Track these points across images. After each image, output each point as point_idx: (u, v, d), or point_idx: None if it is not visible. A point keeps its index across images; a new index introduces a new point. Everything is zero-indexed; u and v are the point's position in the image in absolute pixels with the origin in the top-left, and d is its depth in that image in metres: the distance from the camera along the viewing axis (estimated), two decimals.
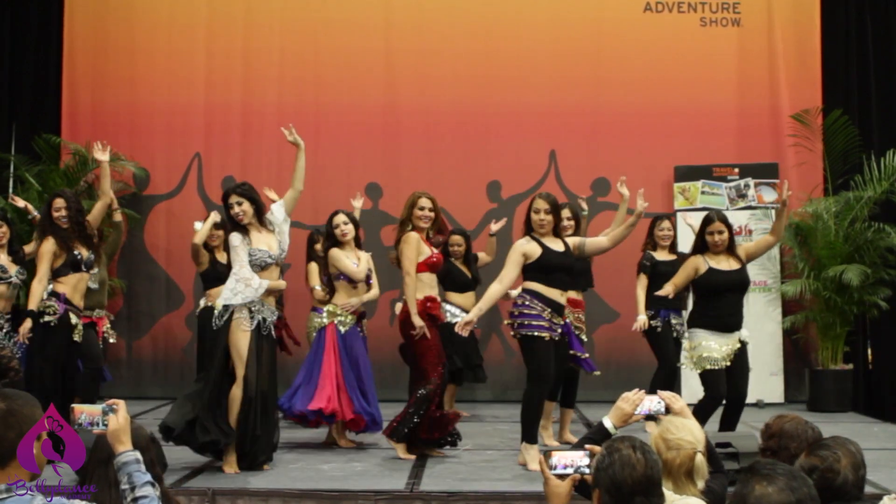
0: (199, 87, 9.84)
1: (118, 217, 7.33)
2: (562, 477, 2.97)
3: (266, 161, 9.63)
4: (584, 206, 7.84)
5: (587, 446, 3.08)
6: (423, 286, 6.18)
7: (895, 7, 9.62)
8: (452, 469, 5.87)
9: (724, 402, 5.98)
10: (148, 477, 2.71)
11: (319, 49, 9.82)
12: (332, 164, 9.42)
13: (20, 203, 7.07)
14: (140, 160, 9.61)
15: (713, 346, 5.88)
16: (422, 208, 6.19)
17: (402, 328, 6.20)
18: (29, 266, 6.52)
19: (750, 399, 7.05)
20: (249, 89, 9.84)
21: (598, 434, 3.28)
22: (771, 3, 9.77)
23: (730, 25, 9.80)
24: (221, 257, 7.26)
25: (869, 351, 9.49)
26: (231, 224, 5.80)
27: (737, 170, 9.29)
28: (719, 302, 5.92)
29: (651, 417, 3.38)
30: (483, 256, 8.17)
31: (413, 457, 6.13)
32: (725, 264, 5.98)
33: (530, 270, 5.72)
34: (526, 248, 5.72)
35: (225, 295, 5.69)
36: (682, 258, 6.67)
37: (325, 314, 6.64)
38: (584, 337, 6.99)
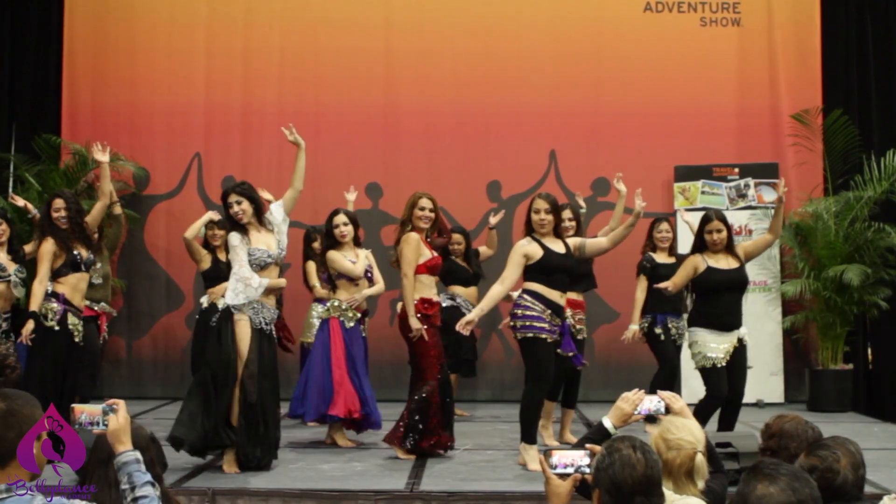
0: (199, 87, 9.84)
1: (118, 210, 7.34)
2: (562, 476, 2.97)
3: (266, 161, 9.63)
4: (582, 203, 7.84)
5: (587, 445, 3.08)
6: (422, 287, 6.18)
7: (895, 7, 9.62)
8: (452, 469, 5.87)
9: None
10: (148, 477, 2.71)
11: (319, 49, 9.82)
12: (332, 164, 9.42)
13: (20, 202, 7.07)
14: (140, 160, 9.61)
15: (712, 345, 5.89)
16: (422, 209, 6.19)
17: (402, 328, 6.20)
18: (28, 265, 6.52)
19: (750, 399, 7.08)
20: (249, 89, 9.84)
21: (597, 434, 3.28)
22: (771, 3, 9.77)
23: (730, 25, 9.80)
24: (223, 256, 7.27)
25: (869, 351, 9.49)
26: (230, 223, 5.80)
27: (737, 170, 9.30)
28: (718, 301, 5.93)
29: (651, 417, 3.38)
30: (484, 250, 8.18)
31: (413, 457, 6.13)
32: (724, 263, 5.99)
33: (531, 271, 5.71)
34: (527, 248, 5.71)
35: (228, 296, 5.71)
36: (682, 260, 6.66)
37: (328, 307, 6.64)
38: (582, 337, 6.97)
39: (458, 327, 5.72)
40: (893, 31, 9.59)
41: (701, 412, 5.84)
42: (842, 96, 9.56)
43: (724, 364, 5.89)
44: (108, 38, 9.88)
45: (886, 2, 9.62)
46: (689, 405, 3.47)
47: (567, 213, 6.55)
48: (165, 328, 9.73)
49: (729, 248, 6.02)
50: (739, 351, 5.97)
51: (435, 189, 7.06)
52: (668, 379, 7.08)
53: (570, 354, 6.36)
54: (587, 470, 2.92)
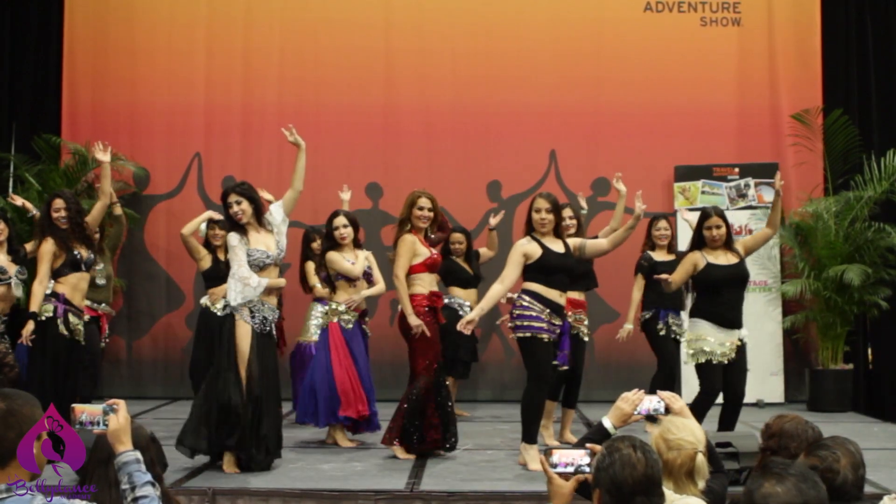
0: (199, 87, 9.84)
1: (118, 210, 7.34)
2: (563, 476, 2.96)
3: (266, 161, 9.63)
4: (584, 204, 7.85)
5: (588, 445, 3.08)
6: (425, 284, 6.20)
7: (895, 7, 9.62)
8: (452, 469, 5.87)
9: (719, 398, 5.99)
10: (148, 477, 2.71)
11: (319, 49, 9.82)
12: (332, 164, 9.42)
13: (18, 201, 7.06)
14: (140, 160, 9.62)
15: (713, 341, 5.89)
16: (421, 208, 6.19)
17: (402, 327, 6.21)
18: (29, 265, 6.52)
19: (750, 399, 7.07)
20: (249, 89, 9.84)
21: (597, 434, 3.28)
22: (771, 3, 9.77)
23: (730, 25, 9.80)
24: (224, 256, 7.26)
25: (869, 351, 9.49)
26: (229, 223, 5.80)
27: (737, 170, 9.30)
28: (719, 297, 5.94)
29: (651, 417, 3.38)
30: (485, 251, 8.19)
31: (413, 457, 6.13)
32: (724, 259, 6.00)
33: (530, 271, 5.72)
34: (527, 248, 5.72)
35: (229, 296, 5.70)
36: (681, 257, 6.67)
37: (327, 311, 6.67)
38: (585, 338, 6.97)
39: (459, 326, 5.73)
40: (893, 31, 9.59)
41: (696, 410, 5.82)
42: (842, 96, 9.56)
43: (721, 362, 5.89)
44: (108, 38, 9.88)
45: (886, 2, 9.62)
46: (689, 405, 3.47)
47: (567, 212, 6.56)
48: (165, 328, 9.73)
49: (728, 244, 6.03)
50: (739, 351, 5.97)
51: (435, 189, 7.05)
52: (667, 378, 7.09)
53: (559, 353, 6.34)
54: (587, 469, 2.92)
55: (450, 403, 6.27)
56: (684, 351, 6.20)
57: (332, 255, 6.57)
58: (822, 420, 6.10)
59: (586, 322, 7.03)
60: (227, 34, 9.88)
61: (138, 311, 9.72)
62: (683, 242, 7.68)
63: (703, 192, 9.26)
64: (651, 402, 3.35)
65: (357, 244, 6.73)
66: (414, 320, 6.06)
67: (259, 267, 5.69)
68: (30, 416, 2.48)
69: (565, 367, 6.48)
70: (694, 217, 6.51)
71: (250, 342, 5.64)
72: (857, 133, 9.20)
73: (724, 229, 6.00)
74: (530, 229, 5.83)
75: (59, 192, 6.42)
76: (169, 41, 9.85)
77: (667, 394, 3.40)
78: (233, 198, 5.72)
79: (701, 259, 5.99)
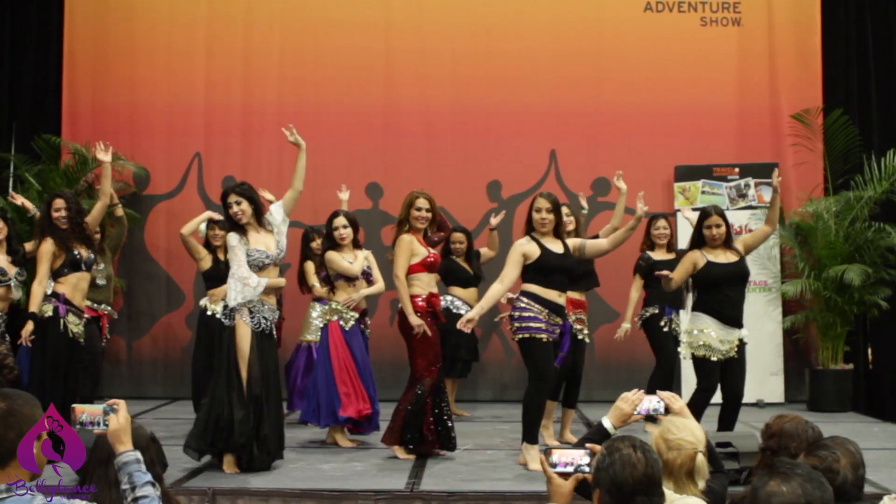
0: (199, 87, 9.84)
1: (119, 212, 7.33)
2: (563, 475, 2.97)
3: (266, 161, 9.63)
4: (585, 204, 7.85)
5: (588, 445, 3.08)
6: (423, 285, 6.19)
7: (895, 7, 9.62)
8: (452, 469, 5.87)
9: (717, 397, 5.99)
10: (148, 477, 2.71)
11: (319, 49, 9.81)
12: (332, 164, 9.42)
13: (18, 200, 7.06)
14: (140, 160, 9.62)
15: (714, 336, 5.88)
16: (419, 209, 6.20)
17: (401, 327, 6.21)
18: (29, 265, 6.52)
19: (750, 399, 7.07)
20: (249, 89, 9.84)
21: (597, 434, 3.28)
22: (771, 3, 9.77)
23: (730, 25, 9.80)
24: (224, 256, 7.25)
25: (869, 351, 9.49)
26: (229, 224, 5.80)
27: (737, 170, 9.30)
28: (720, 295, 5.94)
29: (650, 417, 3.38)
30: (486, 251, 8.19)
31: (413, 457, 6.13)
32: (723, 257, 6.00)
33: (529, 271, 5.73)
34: (526, 248, 5.73)
35: (229, 296, 5.70)
36: (681, 255, 6.67)
37: (327, 311, 6.68)
38: (586, 339, 6.96)
39: (458, 325, 5.73)
40: (893, 31, 9.59)
41: (694, 407, 5.83)
42: (842, 96, 9.56)
43: (720, 360, 5.89)
44: (108, 38, 9.88)
45: (886, 2, 9.62)
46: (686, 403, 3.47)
47: (564, 210, 6.57)
48: (165, 328, 9.73)
49: (728, 242, 6.03)
50: (739, 351, 5.97)
51: (435, 189, 7.06)
52: (666, 376, 7.09)
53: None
54: (587, 469, 2.92)
55: (445, 404, 6.27)
56: (683, 339, 6.19)
57: (332, 255, 6.58)
58: (822, 420, 6.10)
59: (587, 321, 7.02)
60: (227, 34, 9.88)
61: (138, 311, 9.72)
62: (684, 242, 7.67)
63: (703, 192, 9.26)
64: (651, 403, 3.35)
65: (356, 244, 6.73)
66: (415, 320, 6.06)
67: (258, 267, 5.69)
68: (30, 416, 2.48)
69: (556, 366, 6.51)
70: (696, 216, 6.51)
71: (250, 342, 5.64)
72: (857, 133, 9.20)
73: (724, 228, 6.00)
74: (530, 229, 5.84)
75: (60, 192, 6.42)
76: (169, 41, 9.85)
77: (666, 394, 3.40)
78: (232, 198, 5.72)
79: (701, 258, 6.00)
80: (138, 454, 2.75)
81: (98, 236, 6.78)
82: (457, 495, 5.11)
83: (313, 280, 7.33)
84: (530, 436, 5.81)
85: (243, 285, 5.61)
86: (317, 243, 7.33)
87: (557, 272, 5.74)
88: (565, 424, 7.02)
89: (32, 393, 2.65)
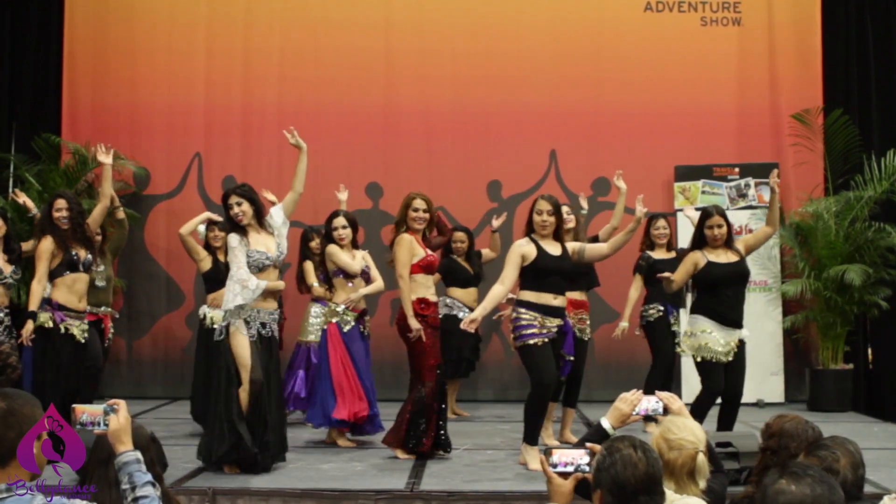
0: (199, 87, 9.84)
1: (121, 215, 7.32)
2: (563, 475, 2.97)
3: (266, 161, 9.63)
4: (585, 204, 7.84)
5: (588, 444, 3.08)
6: (419, 287, 6.19)
7: (895, 7, 9.62)
8: (452, 469, 5.87)
9: (720, 397, 5.99)
10: (148, 477, 2.71)
11: (319, 49, 9.81)
12: (332, 164, 9.41)
13: (21, 198, 7.06)
14: (140, 160, 9.62)
15: (716, 338, 5.88)
16: (416, 210, 6.20)
17: (400, 329, 6.21)
18: (26, 265, 6.51)
19: (750, 399, 7.07)
20: (249, 89, 9.84)
21: (595, 435, 3.28)
22: (771, 3, 9.77)
23: (730, 25, 9.80)
24: (224, 258, 7.23)
25: (869, 351, 9.48)
26: (230, 225, 5.80)
27: (737, 169, 9.30)
28: (720, 295, 5.94)
29: (649, 418, 3.39)
30: (487, 253, 8.19)
31: (413, 457, 6.13)
32: (724, 258, 6.00)
33: (524, 274, 5.76)
34: (524, 249, 5.75)
35: (226, 298, 5.69)
36: (681, 255, 6.67)
37: (326, 313, 6.68)
38: (585, 338, 6.96)
39: (462, 325, 5.74)
40: (893, 31, 9.59)
41: (698, 409, 5.85)
42: (842, 96, 9.56)
43: (724, 361, 5.89)
44: (108, 38, 9.88)
45: (886, 2, 9.62)
46: (689, 405, 3.47)
47: (564, 209, 6.60)
48: (165, 328, 9.73)
49: (728, 243, 6.03)
50: (739, 350, 5.97)
51: (435, 189, 7.07)
52: (664, 375, 7.09)
53: (566, 356, 6.35)
54: (587, 468, 2.92)
55: (444, 405, 6.28)
56: (682, 341, 6.19)
57: (333, 248, 6.56)
58: (822, 420, 6.09)
59: (588, 322, 7.02)
60: (227, 34, 9.88)
61: (138, 311, 9.72)
62: (684, 241, 7.68)
63: (703, 192, 9.26)
64: (649, 403, 3.36)
65: (355, 245, 6.73)
66: (414, 323, 6.06)
67: (258, 268, 5.69)
68: (30, 415, 2.48)
69: (563, 379, 6.52)
70: (697, 215, 6.51)
71: (250, 348, 5.62)
72: (857, 133, 9.19)
73: (725, 228, 6.00)
74: (530, 230, 5.84)
75: (62, 193, 6.41)
76: (169, 41, 9.85)
77: (665, 394, 3.40)
78: (233, 199, 5.72)
79: (701, 258, 6.00)
80: (138, 454, 2.75)
81: (99, 238, 6.77)
82: (457, 495, 5.11)
83: (312, 280, 7.32)
84: (531, 437, 5.83)
85: (242, 287, 5.61)
86: (316, 243, 7.32)
87: (553, 275, 5.75)
88: (565, 424, 7.02)
89: (34, 394, 2.65)
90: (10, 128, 9.85)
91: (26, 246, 6.55)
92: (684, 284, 6.32)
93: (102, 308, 6.99)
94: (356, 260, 6.63)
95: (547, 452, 3.00)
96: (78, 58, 9.88)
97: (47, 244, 6.07)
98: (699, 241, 6.07)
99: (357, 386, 6.50)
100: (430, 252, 6.29)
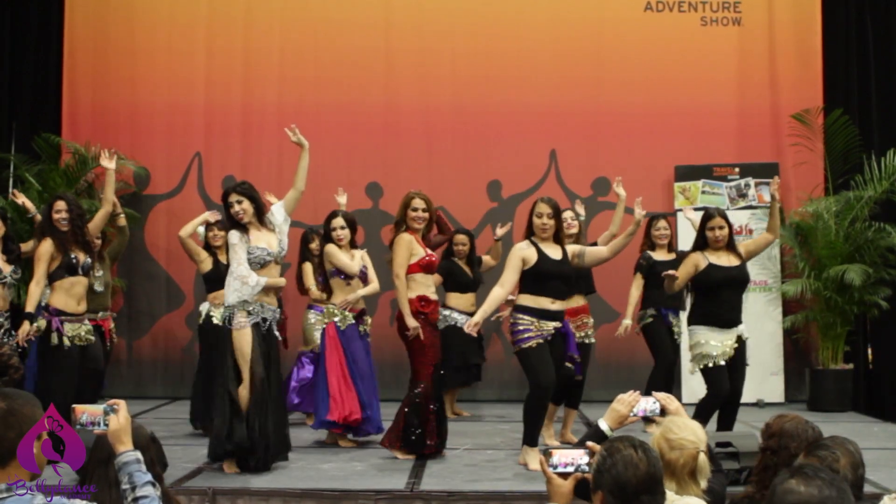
0: (199, 87, 9.84)
1: (122, 221, 7.30)
2: (563, 476, 2.97)
3: (266, 161, 9.63)
4: (581, 211, 7.81)
5: (588, 444, 3.08)
6: (418, 286, 6.18)
7: (895, 7, 9.61)
8: (452, 469, 5.87)
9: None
10: (148, 477, 2.71)
11: (319, 49, 9.81)
12: (332, 163, 9.41)
13: (20, 199, 7.05)
14: (140, 160, 9.61)
15: (713, 343, 5.88)
16: (415, 209, 6.20)
17: (399, 328, 6.21)
18: (25, 265, 6.50)
19: (750, 399, 7.08)
20: (249, 89, 9.84)
21: (593, 437, 3.27)
22: (772, 3, 9.77)
23: (730, 25, 9.80)
24: (224, 258, 7.23)
25: (869, 351, 9.48)
26: (230, 223, 5.80)
27: (737, 169, 9.30)
28: (719, 298, 5.93)
29: (647, 419, 3.39)
30: (488, 260, 8.17)
31: (413, 456, 6.13)
32: (725, 260, 6.00)
33: (524, 278, 5.76)
34: (525, 252, 5.75)
35: (226, 294, 5.70)
36: (682, 256, 6.67)
37: (324, 313, 6.68)
38: (587, 341, 6.93)
39: (465, 328, 5.76)
40: (893, 31, 9.59)
41: (702, 411, 5.85)
42: (842, 96, 9.56)
43: (724, 362, 5.89)
44: (108, 38, 9.88)
45: (886, 2, 9.62)
46: (688, 405, 3.47)
47: (568, 213, 6.61)
48: (165, 328, 9.73)
49: (730, 245, 6.03)
50: (739, 349, 5.96)
51: (435, 189, 7.06)
52: (665, 376, 7.09)
53: (574, 357, 6.34)
54: (587, 469, 2.92)
55: (441, 404, 6.28)
56: (686, 358, 6.19)
57: (332, 248, 6.56)
58: (822, 420, 6.09)
59: (591, 323, 7.01)
60: (227, 34, 9.88)
61: (138, 311, 9.72)
62: (684, 242, 7.67)
63: (703, 192, 9.26)
64: (647, 404, 3.36)
65: (353, 245, 6.73)
66: (411, 321, 6.06)
67: (259, 264, 5.69)
68: (30, 415, 2.48)
69: (580, 377, 6.55)
70: (697, 216, 6.51)
71: (252, 343, 5.63)
72: (857, 133, 9.19)
73: (726, 230, 6.00)
74: (530, 233, 5.84)
75: (62, 195, 6.39)
76: (169, 41, 9.85)
77: (662, 395, 3.41)
78: (234, 197, 5.72)
79: (702, 260, 5.99)
80: (138, 454, 2.75)
81: (98, 242, 6.76)
82: (457, 495, 5.11)
83: (310, 282, 7.31)
84: (531, 438, 5.83)
85: (242, 283, 5.61)
86: (316, 244, 7.32)
87: (554, 279, 5.75)
88: (566, 424, 7.02)
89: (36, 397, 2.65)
90: (10, 128, 9.84)
91: (25, 247, 6.55)
92: (685, 286, 6.31)
93: (100, 314, 6.95)
94: (355, 260, 6.63)
95: (547, 453, 3.00)
96: (78, 58, 9.88)
97: (46, 246, 6.06)
98: (701, 244, 6.07)
99: (350, 389, 6.48)
100: (430, 251, 6.29)
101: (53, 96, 9.87)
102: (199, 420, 7.16)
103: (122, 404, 2.81)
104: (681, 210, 8.61)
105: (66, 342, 6.03)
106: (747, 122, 9.69)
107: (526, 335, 5.70)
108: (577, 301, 6.84)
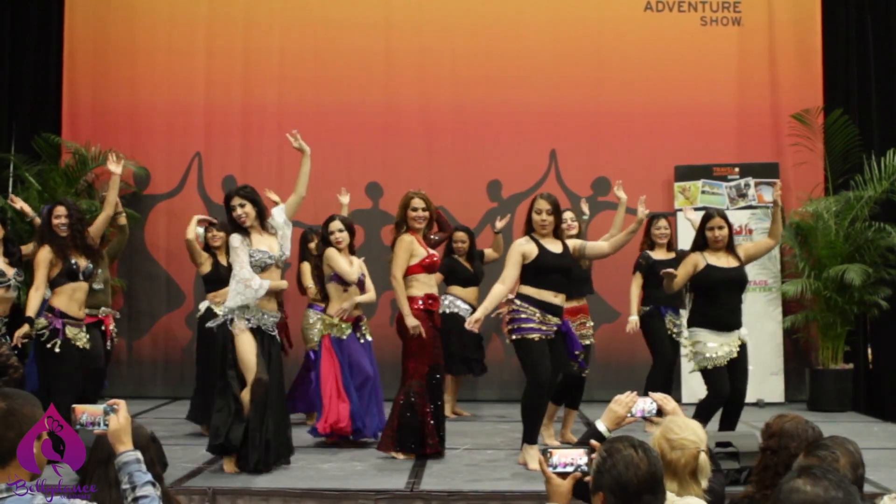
0: (199, 87, 9.84)
1: (123, 221, 7.31)
2: (562, 475, 2.97)
3: (266, 161, 9.63)
4: (586, 209, 7.81)
5: (591, 442, 3.08)
6: (422, 285, 6.19)
7: (895, 7, 9.61)
8: (452, 469, 5.87)
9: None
10: (148, 477, 2.71)
11: (319, 49, 9.81)
12: (332, 163, 9.40)
13: (18, 204, 7.04)
14: (140, 160, 9.60)
15: (711, 345, 5.88)
16: (415, 209, 6.20)
17: (399, 330, 6.21)
18: (26, 267, 6.50)
19: (750, 399, 7.06)
20: (249, 89, 9.84)
21: (591, 438, 3.27)
22: (772, 3, 9.77)
23: (730, 25, 9.80)
24: (224, 259, 7.24)
25: (869, 350, 9.48)
26: (232, 226, 5.79)
27: (737, 169, 9.30)
28: (717, 300, 5.93)
29: (645, 419, 3.40)
30: (490, 253, 8.21)
31: (412, 456, 6.13)
32: (724, 261, 5.99)
33: (526, 272, 5.74)
34: (525, 248, 5.75)
35: (228, 297, 5.69)
36: (681, 255, 6.67)
37: (320, 323, 6.69)
38: (587, 342, 6.93)
39: (466, 326, 5.74)
40: (893, 31, 9.59)
41: (703, 412, 5.85)
42: (842, 96, 9.55)
43: (725, 364, 5.88)
44: (108, 38, 9.88)
45: (887, 2, 9.62)
46: (688, 405, 3.47)
47: (569, 214, 6.60)
48: (165, 328, 9.73)
49: (730, 247, 6.03)
50: (741, 351, 5.96)
51: (435, 189, 7.06)
52: (664, 376, 7.08)
53: (578, 354, 6.34)
54: (586, 468, 2.92)
55: (440, 403, 6.27)
56: (685, 358, 6.19)
57: (332, 253, 6.56)
58: (822, 420, 6.10)
59: (590, 324, 7.02)
60: (227, 34, 9.88)
61: (138, 311, 9.72)
62: (684, 242, 7.67)
63: (703, 192, 9.26)
64: (644, 404, 3.37)
65: (352, 250, 6.73)
66: (411, 321, 6.06)
67: (261, 268, 5.69)
68: (30, 415, 2.48)
69: (587, 371, 6.56)
70: (697, 216, 6.51)
71: (254, 345, 5.62)
72: (857, 133, 9.19)
73: (726, 230, 6.00)
74: (529, 229, 5.84)
75: (62, 200, 6.38)
76: (169, 41, 9.85)
77: (659, 395, 3.41)
78: (236, 201, 5.72)
79: (701, 260, 5.99)
80: (138, 454, 2.75)
81: (96, 247, 6.75)
82: (457, 495, 5.11)
83: (308, 281, 7.31)
84: (530, 436, 5.82)
85: (245, 287, 5.61)
86: (315, 244, 7.31)
87: (555, 272, 5.75)
88: (566, 424, 7.01)
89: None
90: (10, 128, 9.84)
91: (26, 249, 6.54)
92: (684, 285, 6.32)
93: (101, 309, 6.96)
94: (353, 267, 6.62)
95: (546, 453, 3.00)
96: (78, 58, 9.88)
97: (45, 253, 6.04)
98: (701, 244, 6.06)
99: (344, 400, 6.47)
100: (431, 251, 6.29)
101: (53, 96, 9.87)
102: (197, 417, 7.19)
103: (122, 404, 2.81)
104: (681, 210, 8.62)
105: (67, 343, 6.02)
106: (747, 122, 9.69)
107: (528, 325, 5.67)
108: (577, 302, 6.84)
